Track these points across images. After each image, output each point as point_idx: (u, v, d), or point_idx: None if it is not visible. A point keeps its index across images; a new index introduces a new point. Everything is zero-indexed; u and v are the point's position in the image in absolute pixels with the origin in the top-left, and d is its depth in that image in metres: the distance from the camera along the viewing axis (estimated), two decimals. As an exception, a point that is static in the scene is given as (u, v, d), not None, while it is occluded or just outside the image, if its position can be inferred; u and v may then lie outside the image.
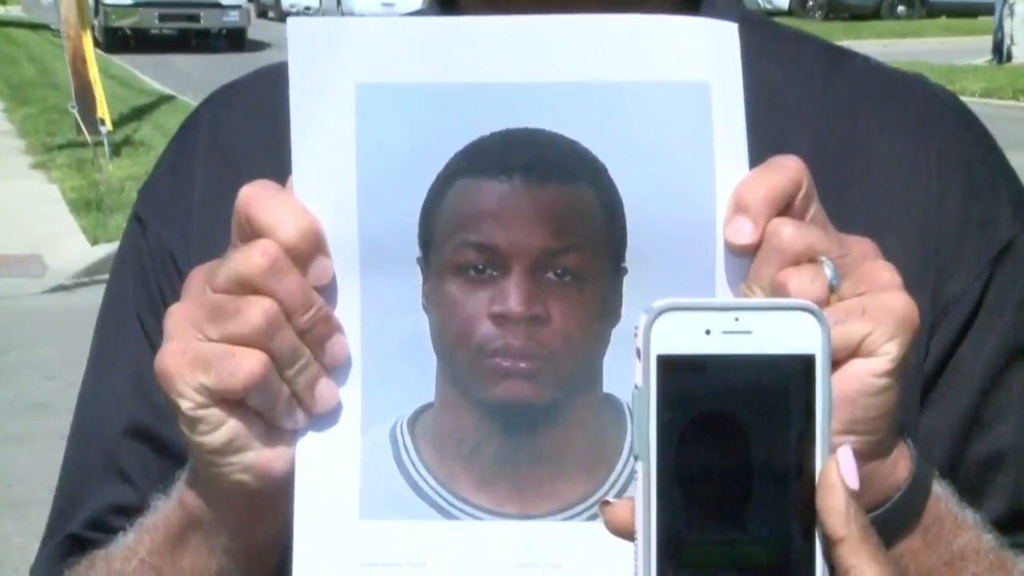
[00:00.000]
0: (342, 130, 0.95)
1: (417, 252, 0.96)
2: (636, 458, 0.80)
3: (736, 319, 0.80)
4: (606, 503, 0.84)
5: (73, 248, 10.26)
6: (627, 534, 0.81)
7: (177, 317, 0.95)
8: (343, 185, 0.95)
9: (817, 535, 0.81)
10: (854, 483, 0.81)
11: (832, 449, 0.81)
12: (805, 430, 0.81)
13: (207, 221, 1.14)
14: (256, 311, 0.91)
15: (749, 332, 0.80)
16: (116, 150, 13.56)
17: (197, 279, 0.96)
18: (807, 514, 0.81)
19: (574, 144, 0.95)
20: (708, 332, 0.80)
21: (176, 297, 0.98)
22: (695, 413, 0.80)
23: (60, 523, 1.19)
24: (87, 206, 11.38)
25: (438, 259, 0.96)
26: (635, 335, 0.81)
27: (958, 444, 1.11)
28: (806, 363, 0.81)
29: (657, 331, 0.80)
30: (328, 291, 0.95)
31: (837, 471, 0.80)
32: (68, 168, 13.14)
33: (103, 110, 13.24)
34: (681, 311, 0.80)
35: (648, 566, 0.79)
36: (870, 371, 0.90)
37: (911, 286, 0.93)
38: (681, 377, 0.80)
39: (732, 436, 0.80)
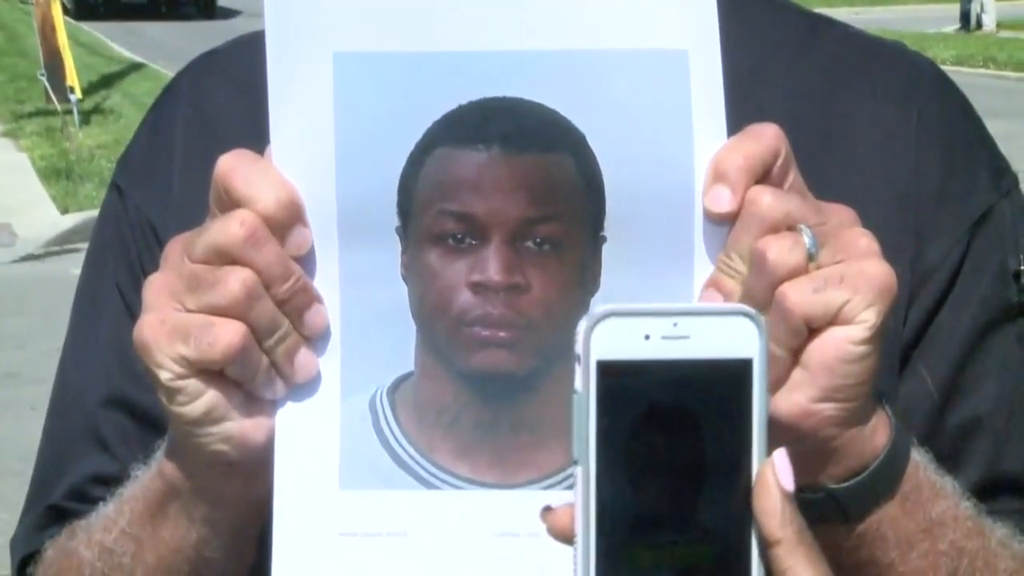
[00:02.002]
0: (320, 100, 0.95)
1: (396, 221, 0.96)
2: (575, 462, 0.81)
3: (675, 324, 0.81)
4: (548, 509, 0.85)
5: (43, 217, 10.23)
6: (569, 539, 0.82)
7: (155, 287, 0.95)
8: (321, 155, 0.95)
9: (754, 536, 0.82)
10: (789, 485, 0.81)
11: (769, 451, 0.82)
12: (742, 433, 0.82)
13: (187, 190, 1.14)
14: (234, 281, 0.91)
15: (687, 337, 0.81)
16: (86, 118, 13.50)
17: (175, 249, 0.96)
18: (744, 516, 0.82)
19: (553, 113, 0.95)
20: (647, 337, 0.81)
21: (156, 266, 0.98)
22: (634, 418, 0.81)
23: (40, 494, 1.19)
24: (57, 175, 11.34)
25: (417, 228, 0.96)
26: (575, 340, 0.81)
27: (936, 411, 1.11)
28: (743, 367, 0.82)
29: (597, 337, 0.81)
30: (307, 261, 0.95)
31: (773, 473, 0.81)
32: (37, 136, 13.08)
33: (72, 78, 13.18)
34: (621, 317, 0.81)
35: (587, 569, 0.80)
36: (848, 338, 0.91)
37: (890, 253, 0.93)
38: (620, 382, 0.81)
39: (671, 440, 0.81)
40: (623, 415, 0.81)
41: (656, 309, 0.81)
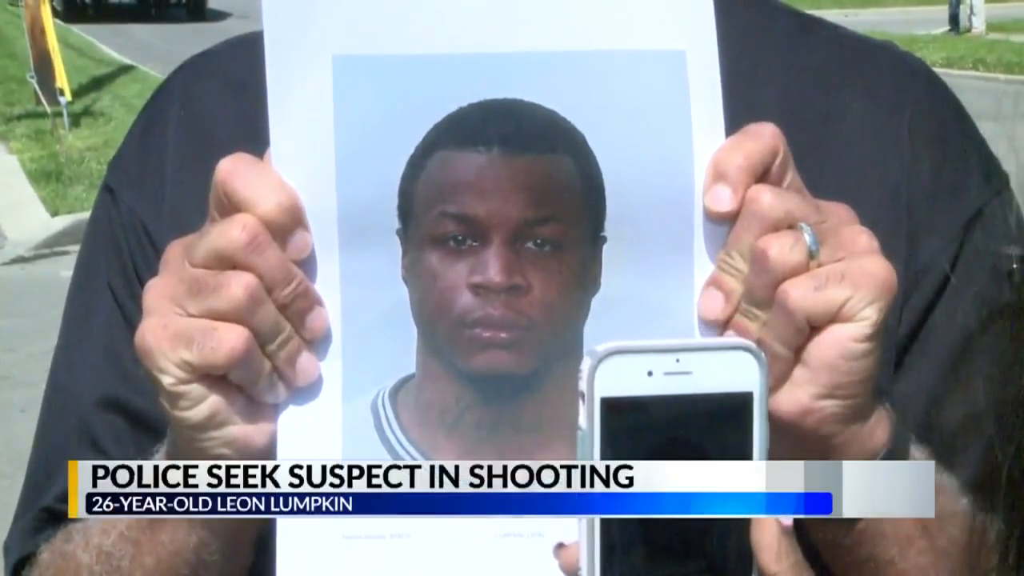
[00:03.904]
0: (319, 103, 0.95)
1: (396, 224, 0.96)
2: None
3: (677, 360, 0.83)
4: (560, 546, 0.86)
5: (33, 219, 10.21)
6: None
7: (156, 292, 0.94)
8: (321, 158, 0.95)
9: (754, 570, 0.83)
10: (786, 520, 0.83)
11: None
12: None
13: (180, 191, 1.14)
14: (237, 286, 0.92)
15: (690, 373, 0.83)
16: (75, 120, 13.47)
17: (175, 253, 0.96)
18: (745, 550, 0.83)
19: (552, 114, 0.95)
20: (650, 374, 0.82)
21: (148, 267, 0.98)
22: (638, 453, 0.82)
23: (33, 497, 1.19)
24: (47, 177, 11.32)
25: (417, 231, 0.96)
26: (579, 378, 0.83)
27: (931, 410, 1.12)
28: (744, 400, 0.83)
29: (601, 374, 0.82)
30: (308, 264, 0.95)
31: None
32: (27, 139, 13.06)
33: (62, 80, 13.14)
34: (624, 354, 0.82)
35: None
36: (850, 336, 0.91)
37: (884, 252, 0.94)
38: (624, 418, 0.82)
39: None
40: (627, 451, 0.82)
41: (658, 346, 0.83)
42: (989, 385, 1.13)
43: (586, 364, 0.82)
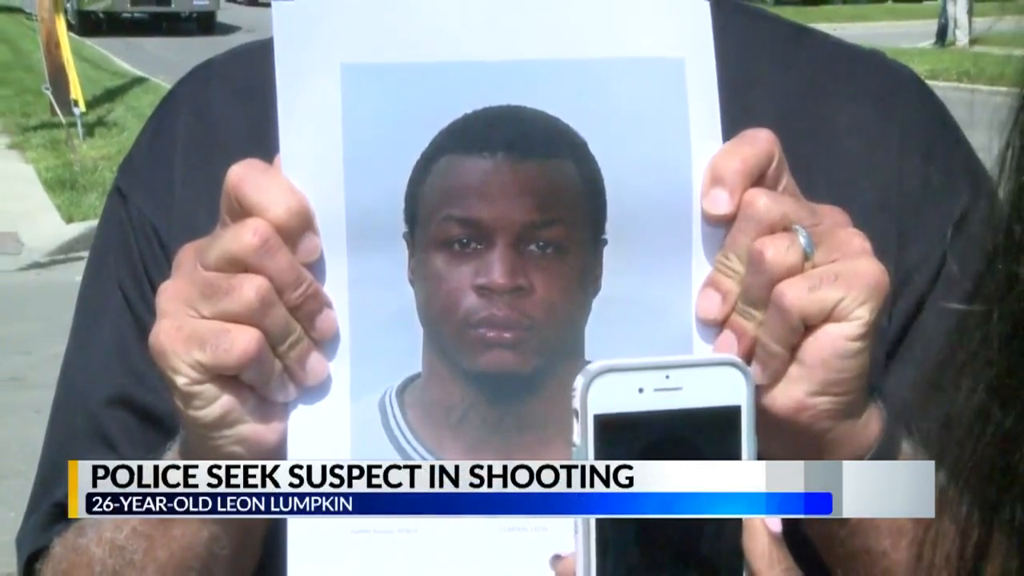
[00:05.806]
0: (328, 110, 0.97)
1: (403, 228, 0.98)
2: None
3: (667, 377, 0.85)
4: (557, 557, 0.87)
5: (48, 226, 10.24)
6: None
7: (170, 294, 0.96)
8: (330, 164, 0.97)
9: None
10: (776, 527, 0.84)
11: None
12: None
13: (190, 195, 1.15)
14: (248, 289, 0.93)
15: (679, 388, 0.85)
16: (89, 131, 13.51)
17: (188, 256, 0.97)
18: (738, 558, 0.85)
19: (555, 120, 0.97)
20: (641, 391, 0.85)
21: (158, 268, 0.99)
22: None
23: (45, 493, 1.20)
24: (62, 185, 11.37)
25: (424, 234, 0.98)
26: (572, 396, 0.85)
27: (918, 407, 1.13)
28: (732, 414, 0.86)
29: (593, 392, 0.84)
30: (317, 267, 0.97)
31: (760, 516, 0.84)
32: (43, 148, 13.10)
33: (76, 92, 13.20)
34: (616, 372, 0.85)
35: None
36: (843, 335, 0.93)
37: (875, 253, 0.96)
38: (617, 434, 0.84)
39: None
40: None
41: (649, 363, 0.85)
42: (970, 384, 1.15)
43: (579, 382, 0.84)
